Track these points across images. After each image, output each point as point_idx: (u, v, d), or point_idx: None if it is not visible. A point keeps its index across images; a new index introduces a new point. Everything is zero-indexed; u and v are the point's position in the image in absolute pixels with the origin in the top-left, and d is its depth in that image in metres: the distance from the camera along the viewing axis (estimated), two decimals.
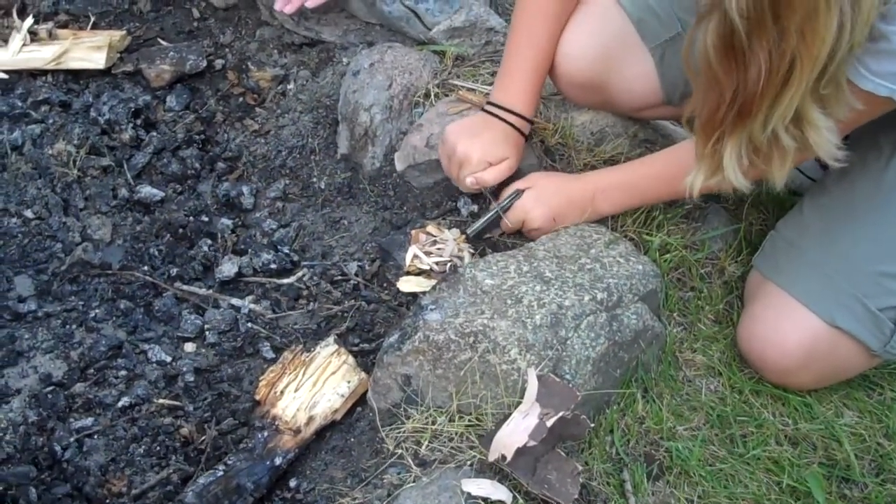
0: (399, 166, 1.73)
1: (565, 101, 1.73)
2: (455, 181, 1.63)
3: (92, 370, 1.55)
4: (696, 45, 1.16)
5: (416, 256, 1.61)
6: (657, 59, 1.60)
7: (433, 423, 1.34)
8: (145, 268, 1.71)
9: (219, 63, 2.09)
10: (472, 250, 1.61)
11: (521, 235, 1.63)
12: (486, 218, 1.62)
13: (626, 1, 1.60)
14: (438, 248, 1.61)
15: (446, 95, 1.75)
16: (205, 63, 2.05)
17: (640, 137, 1.72)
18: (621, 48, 1.60)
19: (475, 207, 1.67)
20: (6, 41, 2.03)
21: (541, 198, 1.59)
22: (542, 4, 1.58)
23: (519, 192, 1.58)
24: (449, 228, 1.65)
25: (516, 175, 1.62)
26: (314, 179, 1.86)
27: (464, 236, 1.62)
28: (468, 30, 1.86)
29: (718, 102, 1.18)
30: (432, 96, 1.75)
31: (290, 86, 2.01)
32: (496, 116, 1.60)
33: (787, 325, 1.49)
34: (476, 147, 1.57)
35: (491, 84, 1.69)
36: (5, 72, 2.02)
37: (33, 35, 2.06)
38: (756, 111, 1.16)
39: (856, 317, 1.45)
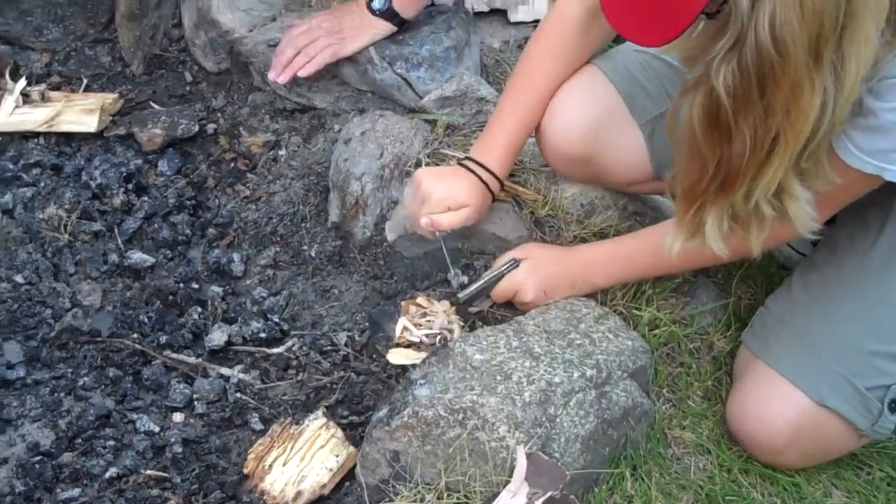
0: (390, 236, 1.76)
1: (555, 174, 1.76)
2: (413, 220, 1.65)
3: (80, 440, 1.56)
4: (681, 117, 1.20)
5: (405, 328, 1.63)
6: (647, 134, 1.64)
7: (421, 501, 1.35)
8: (135, 335, 1.73)
9: (211, 127, 2.13)
10: (461, 323, 1.63)
11: (511, 306, 1.65)
12: (477, 285, 1.64)
13: (615, 75, 1.64)
14: (428, 321, 1.63)
15: (437, 165, 1.78)
16: (197, 127, 2.09)
17: (629, 210, 1.76)
18: (610, 123, 1.64)
19: (465, 279, 1.69)
20: None
21: (534, 269, 1.61)
22: (538, 68, 1.62)
23: (515, 262, 1.60)
24: (439, 300, 1.68)
25: (506, 246, 1.64)
26: (305, 247, 1.89)
27: (454, 308, 1.64)
28: (459, 99, 1.91)
29: (701, 173, 1.21)
30: (423, 165, 1.78)
31: (282, 152, 2.05)
32: (468, 169, 1.63)
33: (776, 403, 1.51)
34: (439, 187, 1.60)
35: None
36: None
37: (26, 97, 2.09)
38: (739, 184, 1.19)
39: (844, 396, 1.47)
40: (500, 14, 2.23)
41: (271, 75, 1.96)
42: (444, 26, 1.96)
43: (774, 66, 1.07)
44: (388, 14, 1.94)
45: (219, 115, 2.16)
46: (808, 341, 1.51)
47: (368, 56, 1.93)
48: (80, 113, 2.07)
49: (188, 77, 2.22)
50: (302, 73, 1.92)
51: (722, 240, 1.27)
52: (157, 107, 2.16)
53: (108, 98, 2.11)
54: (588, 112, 1.62)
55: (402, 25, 1.97)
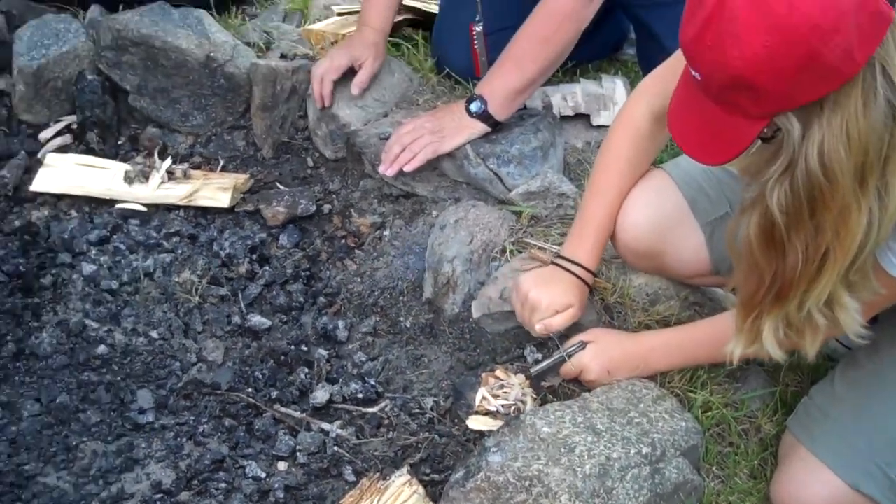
0: (475, 313, 1.95)
1: (624, 265, 1.94)
2: (525, 325, 1.84)
3: (196, 481, 1.78)
4: (740, 233, 1.35)
5: (484, 398, 1.81)
6: (707, 234, 1.80)
7: None
8: (249, 389, 1.96)
9: (326, 208, 2.37)
10: (534, 395, 1.81)
11: (579, 382, 1.83)
12: (549, 362, 1.82)
13: (681, 180, 1.81)
14: (505, 392, 1.81)
15: (520, 252, 1.98)
16: (314, 207, 2.33)
17: (690, 300, 1.92)
18: (675, 223, 1.80)
19: (539, 356, 1.88)
20: (147, 178, 2.35)
21: (599, 352, 1.79)
22: (614, 170, 1.80)
23: (582, 344, 1.79)
24: (515, 374, 1.85)
25: (578, 328, 1.83)
26: (401, 318, 2.10)
27: (528, 381, 1.83)
28: (543, 194, 2.10)
29: (758, 285, 1.37)
30: (508, 252, 1.99)
31: (387, 232, 2.27)
32: (564, 269, 1.81)
33: (815, 486, 1.65)
34: (545, 295, 1.78)
35: (559, 244, 1.93)
36: (145, 205, 2.34)
37: (170, 174, 2.37)
38: (792, 295, 1.34)
39: (877, 483, 1.61)
40: (583, 118, 2.41)
41: (381, 168, 2.20)
42: (532, 128, 2.16)
43: (823, 190, 1.20)
44: (484, 116, 2.15)
45: (334, 197, 2.39)
46: (848, 432, 1.64)
47: (465, 152, 2.14)
48: (216, 190, 2.34)
49: (310, 162, 2.47)
50: (407, 168, 2.16)
51: (778, 345, 1.41)
52: (281, 187, 2.40)
53: (241, 178, 2.37)
54: (656, 212, 1.80)
55: (496, 126, 2.17)
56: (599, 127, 2.39)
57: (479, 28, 2.32)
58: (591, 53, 2.61)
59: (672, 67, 1.63)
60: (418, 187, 2.26)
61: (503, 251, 2.00)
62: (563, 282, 1.80)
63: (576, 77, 2.52)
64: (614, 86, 2.41)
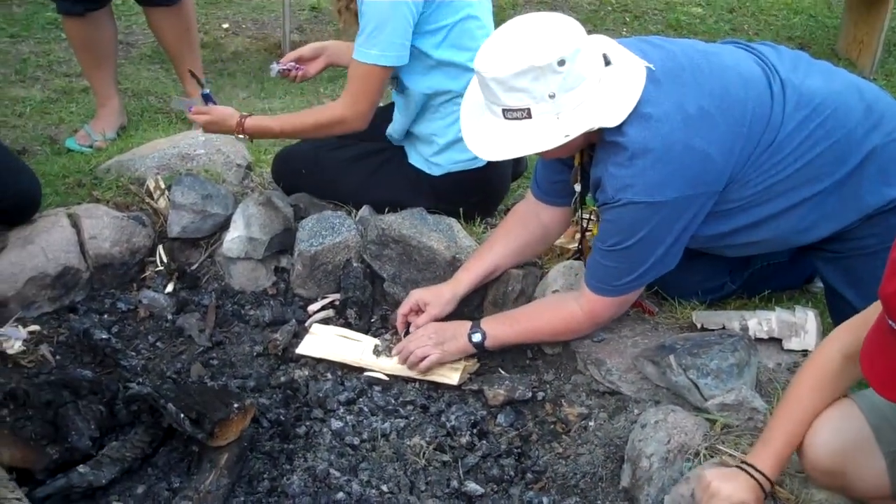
0: None
1: (808, 479, 2.14)
2: None
3: None
4: None
5: None
6: (889, 462, 1.94)
7: None
8: None
9: (540, 395, 2.64)
10: None
11: None
12: None
13: (868, 410, 1.98)
14: None
15: (712, 457, 2.19)
16: (530, 393, 2.62)
17: None
18: (859, 447, 1.96)
19: None
20: (392, 354, 2.74)
21: None
22: (803, 401, 1.99)
23: None
24: None
25: None
26: (598, 502, 2.32)
27: None
28: (736, 406, 2.32)
29: None
30: (700, 456, 2.21)
31: (591, 423, 2.51)
32: (747, 472, 2.00)
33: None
34: (726, 486, 1.96)
35: (747, 453, 2.14)
36: (388, 375, 2.70)
37: None
38: None
39: None
40: (776, 342, 2.60)
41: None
42: (731, 347, 2.39)
43: None
44: (479, 347, 2.64)
45: (548, 386, 2.66)
46: None
47: (669, 362, 2.41)
48: (448, 369, 2.67)
49: (529, 354, 2.75)
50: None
51: None
52: (503, 373, 2.71)
53: (470, 361, 2.70)
54: (841, 436, 1.96)
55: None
56: (790, 351, 2.59)
57: None
58: (785, 283, 2.87)
59: (865, 319, 1.86)
60: (622, 387, 2.54)
61: (696, 454, 2.21)
62: (743, 481, 1.98)
63: (770, 304, 2.75)
64: (806, 316, 2.62)
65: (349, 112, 2.90)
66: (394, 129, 3.17)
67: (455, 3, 2.88)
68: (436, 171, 3.10)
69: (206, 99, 3.10)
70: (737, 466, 2.05)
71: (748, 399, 2.34)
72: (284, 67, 3.22)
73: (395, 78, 3.01)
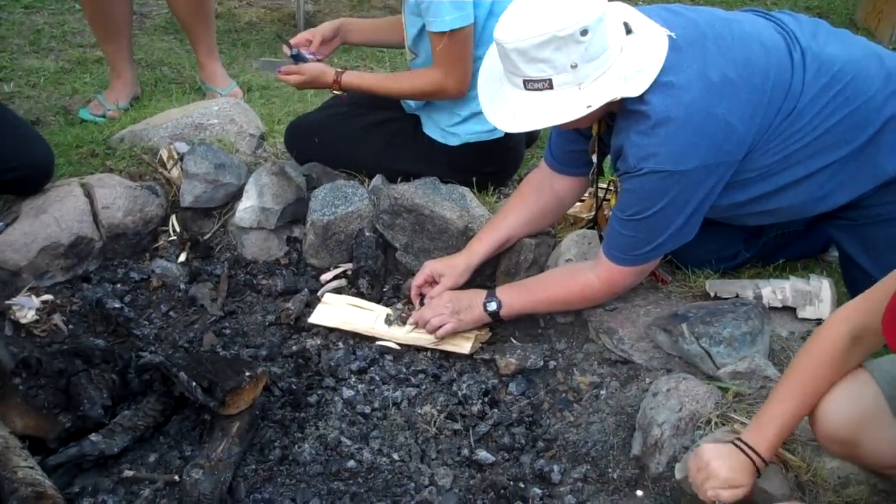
0: (678, 475, 2.17)
1: (820, 448, 2.14)
2: (695, 487, 2.02)
3: None
4: None
5: None
6: None
7: None
8: None
9: (552, 364, 2.64)
10: None
11: None
12: None
13: (882, 380, 1.96)
14: None
15: (723, 425, 2.19)
16: (542, 362, 2.62)
17: (878, 487, 2.06)
18: (873, 417, 1.94)
19: None
20: (404, 322, 2.75)
21: None
22: (808, 377, 1.97)
23: None
24: None
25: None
26: (609, 470, 2.33)
27: None
28: (748, 374, 2.31)
29: None
30: (712, 424, 2.21)
31: (603, 392, 2.52)
32: (744, 452, 1.99)
33: None
34: (725, 468, 1.97)
35: None
36: (399, 344, 2.72)
37: None
38: None
39: None
40: (790, 310, 2.60)
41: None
42: (744, 315, 2.38)
43: None
44: (494, 316, 2.65)
45: (559, 355, 2.67)
46: None
47: (681, 330, 2.40)
48: (460, 338, 2.68)
49: (541, 323, 2.76)
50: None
51: None
52: (515, 342, 2.72)
53: (482, 330, 2.71)
54: (855, 405, 1.95)
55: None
56: (804, 320, 2.58)
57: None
58: (800, 252, 2.84)
59: (874, 299, 1.85)
60: (634, 356, 2.53)
61: (708, 422, 2.22)
62: (741, 462, 1.98)
63: (785, 273, 2.74)
64: (820, 284, 2.60)
65: (449, 81, 2.91)
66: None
67: None
68: (452, 142, 3.08)
69: (297, 59, 3.07)
70: (733, 443, 2.03)
71: (761, 367, 2.33)
72: (306, 54, 3.14)
73: (413, 48, 2.99)
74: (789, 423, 2.00)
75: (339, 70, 3.00)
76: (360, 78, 3.03)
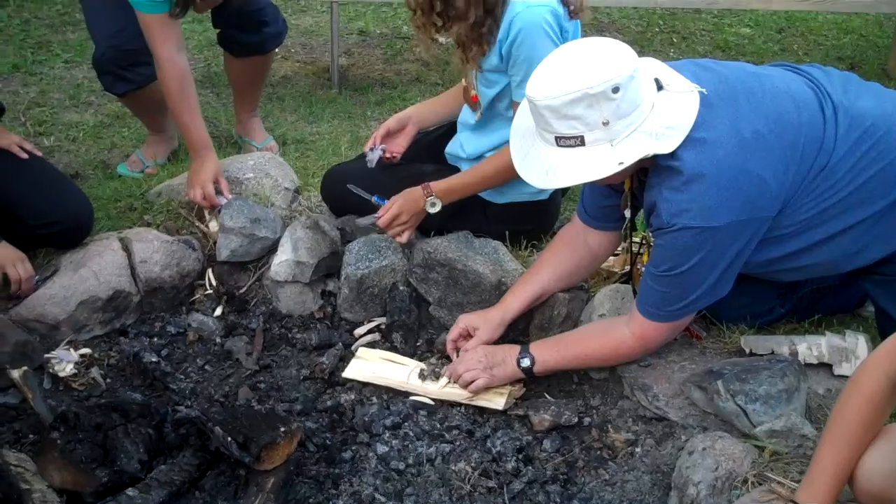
0: None
1: None
2: None
3: None
4: None
5: None
6: None
7: None
8: None
9: (586, 420, 2.63)
10: None
11: None
12: None
13: None
14: None
15: (760, 485, 2.17)
16: (576, 419, 2.61)
17: None
18: None
19: None
20: (437, 377, 2.75)
21: None
22: (852, 426, 1.96)
23: None
24: None
25: None
26: None
27: None
28: (785, 433, 2.28)
29: None
30: (749, 483, 2.18)
31: (638, 449, 2.51)
32: None
33: None
34: None
35: (797, 481, 2.10)
36: (433, 400, 2.72)
37: None
38: None
39: None
40: (826, 367, 2.56)
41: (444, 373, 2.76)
42: (780, 372, 2.36)
43: None
44: (528, 372, 2.63)
45: (594, 411, 2.66)
46: None
47: (716, 387, 2.38)
48: (494, 394, 2.68)
49: (575, 379, 2.75)
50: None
51: None
52: (549, 398, 2.71)
53: (516, 386, 2.70)
54: (891, 463, 1.92)
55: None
56: (841, 377, 2.55)
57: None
58: (836, 307, 2.81)
59: None
60: (670, 412, 2.52)
61: (744, 482, 2.19)
62: None
63: (821, 329, 2.71)
64: (857, 341, 2.57)
65: None
66: (464, 151, 3.13)
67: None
68: (498, 200, 3.09)
69: (381, 203, 3.06)
70: (790, 502, 2.02)
71: (798, 426, 2.31)
72: (382, 154, 3.18)
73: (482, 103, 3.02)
74: (841, 474, 1.98)
75: (423, 185, 2.99)
76: (449, 182, 3.01)
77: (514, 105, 2.84)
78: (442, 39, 2.92)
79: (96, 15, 3.57)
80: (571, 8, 2.80)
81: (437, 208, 2.97)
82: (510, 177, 2.76)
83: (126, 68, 3.57)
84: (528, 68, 2.71)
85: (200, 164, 3.30)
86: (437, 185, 2.97)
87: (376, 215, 3.02)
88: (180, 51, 3.30)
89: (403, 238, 2.99)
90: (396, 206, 2.97)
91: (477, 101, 3.02)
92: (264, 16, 3.78)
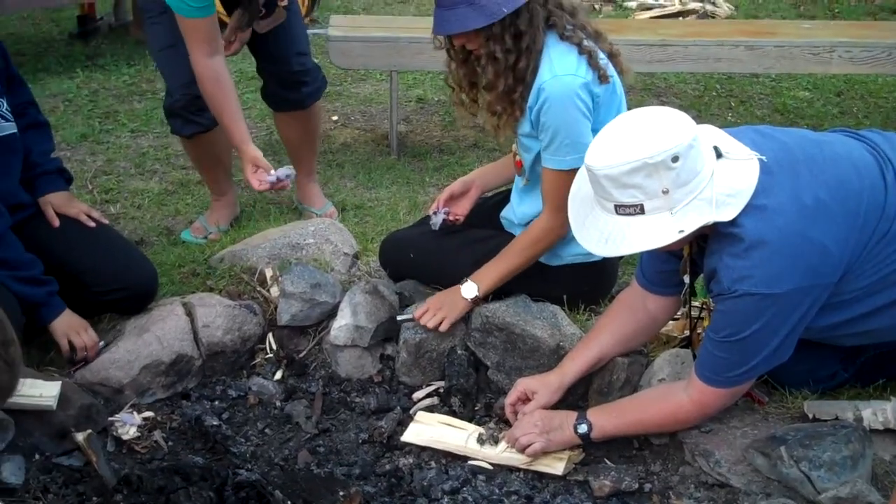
0: None
1: None
2: None
3: None
4: None
5: None
6: None
7: None
8: None
9: (647, 486, 2.59)
10: None
11: None
12: None
13: None
14: None
15: None
16: (637, 485, 2.57)
17: None
18: None
19: None
20: (496, 442, 2.74)
21: None
22: None
23: None
24: None
25: None
26: None
27: None
28: (850, 500, 2.24)
29: None
30: None
31: None
32: None
33: None
34: None
35: None
36: (492, 464, 2.71)
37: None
38: None
39: None
40: (892, 433, 2.51)
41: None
42: (844, 438, 2.33)
43: None
44: (585, 438, 2.64)
45: (655, 478, 2.63)
46: None
47: (780, 453, 2.35)
48: (553, 459, 2.66)
49: (635, 444, 2.73)
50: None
51: None
52: (609, 463, 2.68)
53: (575, 451, 2.68)
54: None
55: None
56: None
57: None
58: None
59: None
60: (733, 479, 2.48)
61: None
62: None
63: (886, 394, 2.66)
64: None
65: (558, 220, 2.86)
66: (517, 216, 3.16)
67: (613, 104, 2.91)
68: (553, 262, 3.10)
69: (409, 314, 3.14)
70: None
71: (863, 493, 2.27)
72: (446, 217, 3.24)
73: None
74: None
75: (464, 281, 3.04)
76: (487, 270, 3.05)
77: (543, 171, 2.89)
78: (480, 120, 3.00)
79: (170, 65, 3.73)
80: (600, 73, 2.82)
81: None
82: (542, 249, 2.93)
83: (195, 113, 3.74)
84: (553, 135, 2.78)
85: (243, 161, 3.51)
86: (475, 276, 3.03)
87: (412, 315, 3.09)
88: (215, 55, 3.47)
89: (444, 326, 3.00)
90: (432, 304, 3.06)
91: (521, 166, 3.06)
92: (304, 76, 3.97)
